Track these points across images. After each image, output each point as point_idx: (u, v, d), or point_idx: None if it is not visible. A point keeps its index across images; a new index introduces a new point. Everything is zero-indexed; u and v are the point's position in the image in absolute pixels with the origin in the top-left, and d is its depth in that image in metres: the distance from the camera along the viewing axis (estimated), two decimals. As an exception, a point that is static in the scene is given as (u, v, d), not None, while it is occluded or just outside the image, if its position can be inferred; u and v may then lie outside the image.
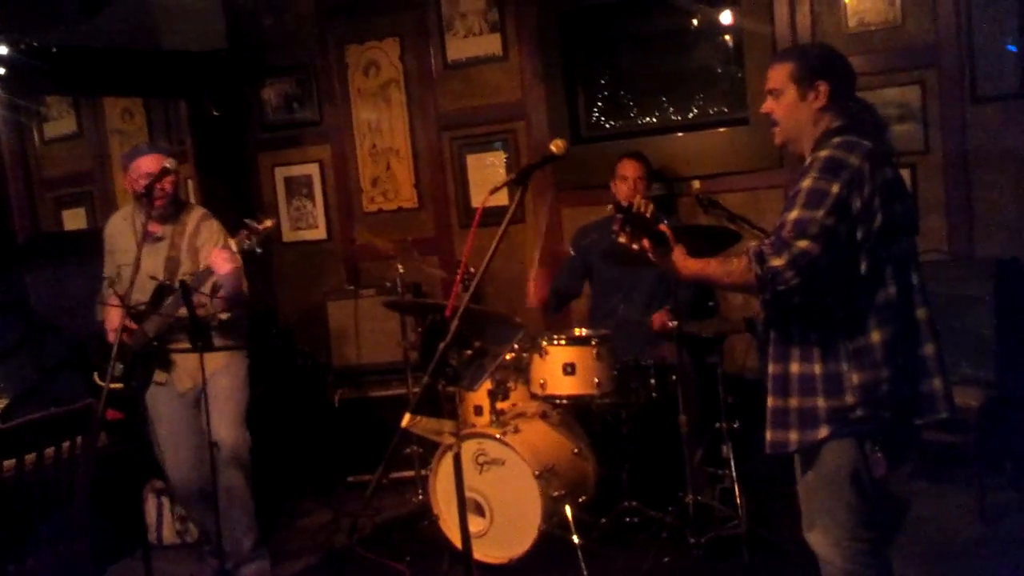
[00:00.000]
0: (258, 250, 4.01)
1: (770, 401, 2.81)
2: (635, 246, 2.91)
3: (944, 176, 5.11)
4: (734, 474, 4.45)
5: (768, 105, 2.92)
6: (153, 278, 4.19)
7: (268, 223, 4.04)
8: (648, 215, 2.90)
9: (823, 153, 2.71)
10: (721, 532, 4.30)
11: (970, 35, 4.98)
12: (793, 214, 2.63)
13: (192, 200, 5.51)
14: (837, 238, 2.62)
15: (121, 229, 4.43)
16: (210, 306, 4.19)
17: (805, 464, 2.83)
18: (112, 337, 4.20)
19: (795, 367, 2.76)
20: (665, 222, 3.02)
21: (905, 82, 5.14)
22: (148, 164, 4.24)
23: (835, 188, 2.62)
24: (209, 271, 4.04)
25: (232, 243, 3.98)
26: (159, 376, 4.35)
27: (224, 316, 4.30)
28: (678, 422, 4.38)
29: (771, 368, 2.83)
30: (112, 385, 3.99)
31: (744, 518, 4.30)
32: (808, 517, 2.88)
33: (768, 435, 2.82)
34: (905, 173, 5.02)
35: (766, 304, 2.78)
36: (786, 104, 2.86)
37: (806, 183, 2.66)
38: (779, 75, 2.87)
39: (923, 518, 4.30)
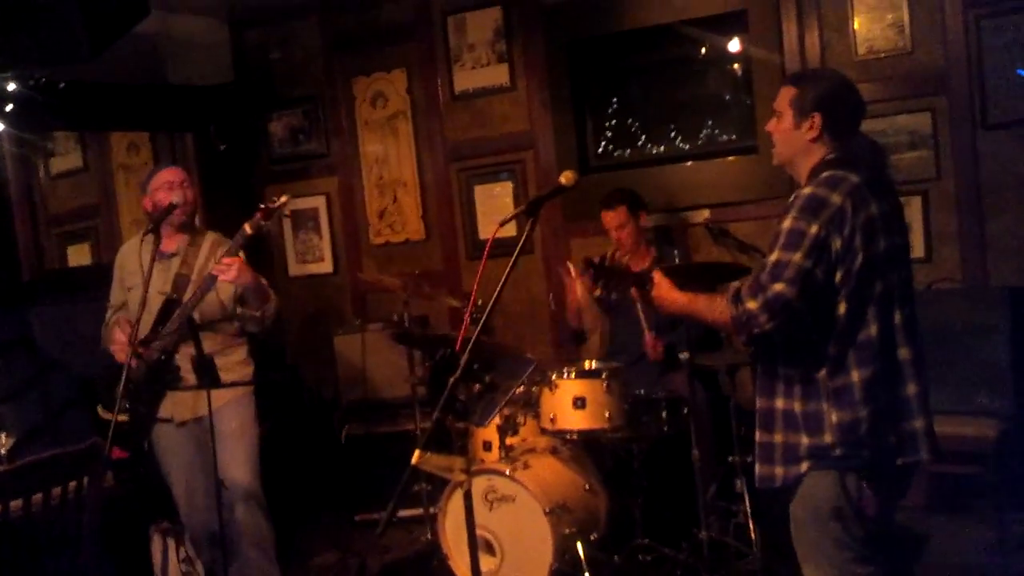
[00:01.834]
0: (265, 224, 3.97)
1: (757, 435, 2.84)
2: (614, 295, 2.94)
3: (956, 204, 5.07)
4: (748, 509, 4.38)
5: (770, 125, 2.92)
6: (161, 293, 4.18)
7: (284, 198, 3.99)
8: (621, 263, 2.91)
9: (806, 191, 2.70)
10: (736, 568, 4.23)
11: (980, 61, 4.96)
12: (773, 256, 2.65)
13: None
14: (814, 280, 2.61)
15: (132, 252, 4.40)
16: (246, 311, 4.15)
17: (795, 500, 2.80)
18: (122, 357, 4.15)
19: (780, 403, 2.77)
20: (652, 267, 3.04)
21: (915, 109, 5.12)
22: (168, 175, 4.27)
23: (813, 229, 2.61)
24: (212, 278, 4.00)
25: (247, 226, 3.93)
26: (163, 411, 4.30)
27: (257, 314, 4.18)
28: (691, 456, 4.31)
29: (758, 402, 2.84)
30: (119, 417, 3.96)
31: (759, 554, 4.23)
32: (800, 554, 2.85)
33: (756, 469, 2.84)
34: (916, 201, 5.04)
35: (746, 343, 2.78)
36: (783, 128, 2.86)
37: (786, 223, 2.66)
38: (783, 98, 2.87)
39: (941, 551, 4.25)
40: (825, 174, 2.72)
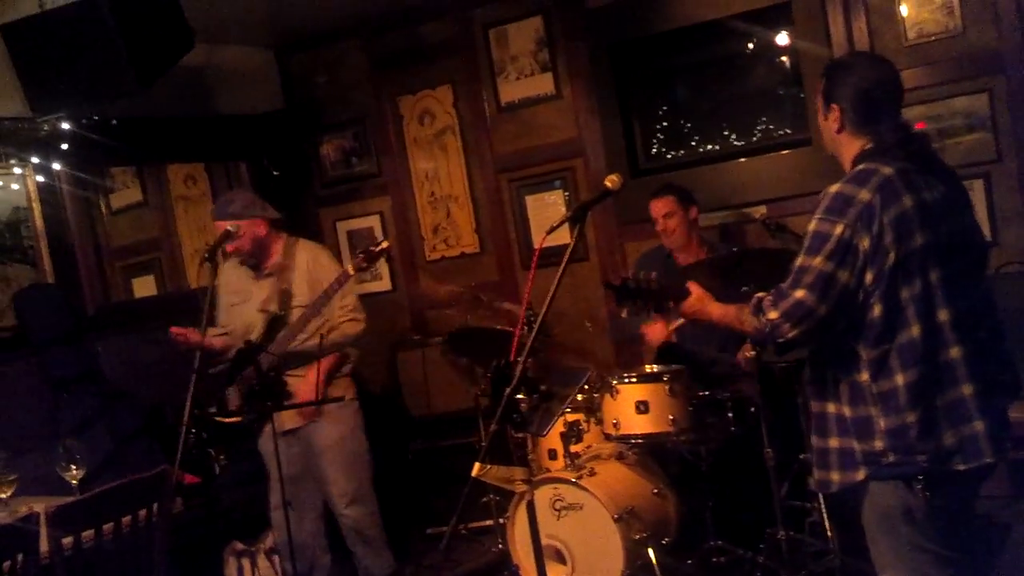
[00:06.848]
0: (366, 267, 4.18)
1: (814, 440, 2.73)
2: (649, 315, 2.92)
3: (1020, 184, 4.92)
4: (823, 506, 4.29)
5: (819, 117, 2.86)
6: (263, 311, 4.37)
7: (385, 244, 4.23)
8: (650, 281, 2.89)
9: (833, 188, 2.59)
10: (815, 568, 4.15)
11: (1036, 36, 4.82)
12: (797, 261, 2.57)
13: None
14: (837, 284, 2.51)
15: (233, 272, 4.63)
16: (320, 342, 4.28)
17: (864, 506, 2.69)
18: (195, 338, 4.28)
19: (831, 407, 2.66)
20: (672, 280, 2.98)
21: (972, 91, 4.99)
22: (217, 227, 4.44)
23: (838, 229, 2.51)
24: (326, 298, 4.19)
25: (349, 267, 4.11)
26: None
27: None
28: (763, 455, 4.23)
29: (812, 407, 2.74)
30: (228, 419, 4.16)
31: (837, 550, 4.14)
32: (877, 563, 2.73)
33: (815, 473, 2.74)
34: (978, 184, 4.91)
35: (776, 353, 2.71)
36: (820, 120, 2.82)
37: (812, 224, 2.58)
38: (817, 90, 2.82)
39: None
40: (857, 168, 2.63)
